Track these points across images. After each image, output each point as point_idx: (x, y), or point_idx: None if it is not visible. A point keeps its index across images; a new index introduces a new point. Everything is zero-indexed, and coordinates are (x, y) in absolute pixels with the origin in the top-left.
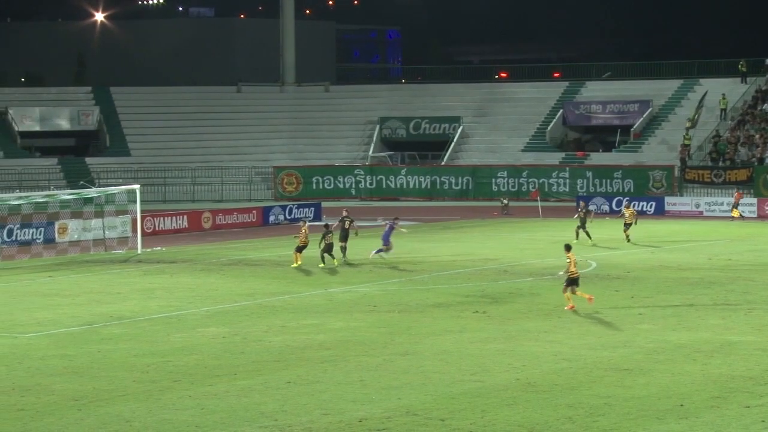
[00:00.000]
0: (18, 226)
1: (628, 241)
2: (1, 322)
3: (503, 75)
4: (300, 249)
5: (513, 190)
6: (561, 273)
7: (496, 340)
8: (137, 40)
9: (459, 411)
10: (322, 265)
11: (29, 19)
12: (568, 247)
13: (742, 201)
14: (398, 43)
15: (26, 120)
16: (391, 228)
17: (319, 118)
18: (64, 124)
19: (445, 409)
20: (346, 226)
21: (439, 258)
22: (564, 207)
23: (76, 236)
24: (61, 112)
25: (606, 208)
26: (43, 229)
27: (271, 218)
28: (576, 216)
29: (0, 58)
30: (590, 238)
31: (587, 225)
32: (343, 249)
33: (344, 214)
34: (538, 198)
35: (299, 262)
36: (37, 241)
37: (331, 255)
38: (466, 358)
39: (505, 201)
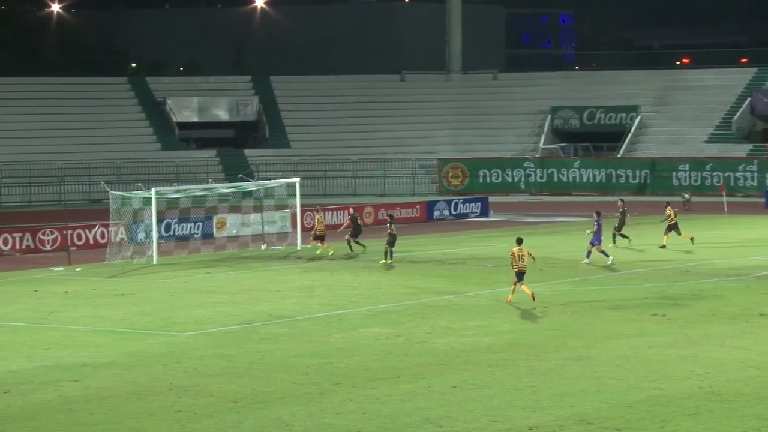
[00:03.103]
0: (176, 220)
1: (663, 246)
2: (158, 320)
3: (686, 61)
4: (318, 238)
5: (696, 184)
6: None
7: (677, 345)
8: (298, 27)
9: (637, 420)
10: (384, 261)
11: (187, 6)
12: (519, 241)
13: None
14: (572, 28)
15: (184, 110)
16: (599, 225)
17: (487, 107)
18: (222, 115)
19: (622, 419)
20: (358, 222)
21: (615, 256)
22: (752, 203)
23: (234, 231)
24: (219, 102)
25: None
26: (201, 224)
27: (436, 213)
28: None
29: (158, 46)
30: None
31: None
32: (350, 243)
33: (351, 212)
34: (724, 193)
35: (330, 252)
36: (195, 236)
37: (392, 251)
38: (644, 364)
39: (687, 196)
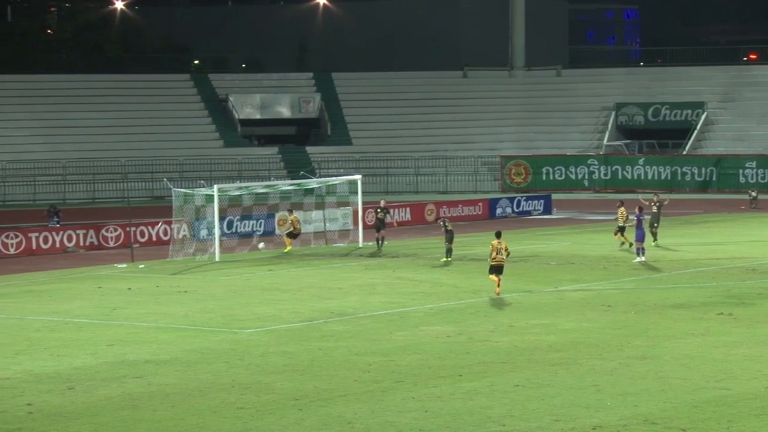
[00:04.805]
0: (238, 217)
1: (622, 244)
2: (221, 317)
3: (753, 56)
4: (291, 235)
5: (762, 181)
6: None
7: (744, 345)
8: (361, 23)
9: (702, 421)
10: (445, 259)
11: (250, 3)
12: (497, 234)
13: None
14: (636, 23)
15: (246, 107)
16: (639, 220)
17: (550, 104)
18: (284, 112)
19: (687, 419)
20: (380, 216)
21: (680, 255)
22: None
23: None
24: (281, 99)
25: None
26: (263, 221)
27: (498, 211)
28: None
29: (221, 43)
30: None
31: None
32: (379, 239)
33: (382, 204)
34: None
35: (287, 249)
36: (257, 233)
37: (452, 248)
38: (710, 364)
39: (754, 193)
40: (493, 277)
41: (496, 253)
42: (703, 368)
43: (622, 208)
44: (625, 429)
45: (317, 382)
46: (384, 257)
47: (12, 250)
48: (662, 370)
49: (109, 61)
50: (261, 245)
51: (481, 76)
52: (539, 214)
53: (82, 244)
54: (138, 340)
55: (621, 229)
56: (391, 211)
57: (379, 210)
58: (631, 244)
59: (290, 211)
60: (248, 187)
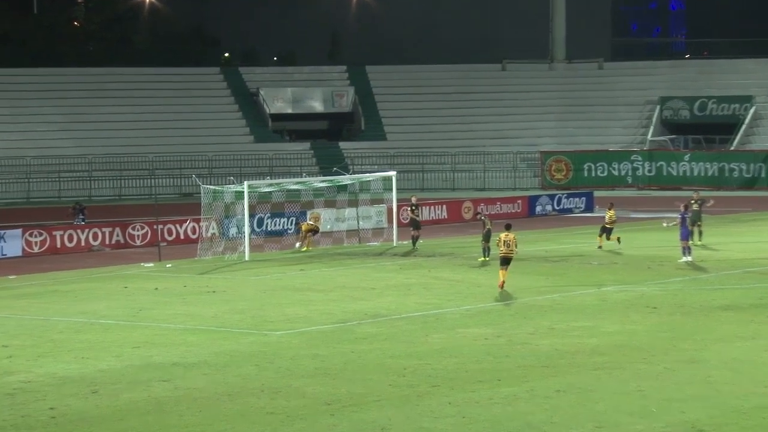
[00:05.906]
0: (268, 215)
1: (600, 247)
2: (251, 318)
3: None
4: (312, 232)
5: None
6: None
7: None
8: (396, 14)
9: (751, 427)
10: (482, 258)
11: None
12: (507, 227)
13: None
14: (682, 15)
15: (278, 101)
16: (684, 218)
17: (592, 98)
18: (316, 106)
19: (735, 425)
20: (415, 214)
21: (728, 254)
22: None
23: (329, 227)
24: (313, 93)
25: None
26: (294, 219)
27: (538, 208)
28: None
29: (251, 36)
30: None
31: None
32: (415, 238)
33: (414, 201)
34: None
35: (304, 248)
36: (288, 231)
37: (489, 246)
38: (760, 368)
39: None
40: (503, 271)
41: (505, 246)
42: (753, 373)
43: (611, 211)
44: None
45: (350, 386)
46: (419, 256)
47: (36, 249)
48: (710, 375)
49: (137, 53)
50: (297, 244)
51: (520, 69)
52: (581, 212)
53: (108, 242)
54: (165, 342)
55: (604, 231)
56: (421, 208)
57: (413, 208)
58: (620, 241)
59: (298, 224)
60: (279, 183)
